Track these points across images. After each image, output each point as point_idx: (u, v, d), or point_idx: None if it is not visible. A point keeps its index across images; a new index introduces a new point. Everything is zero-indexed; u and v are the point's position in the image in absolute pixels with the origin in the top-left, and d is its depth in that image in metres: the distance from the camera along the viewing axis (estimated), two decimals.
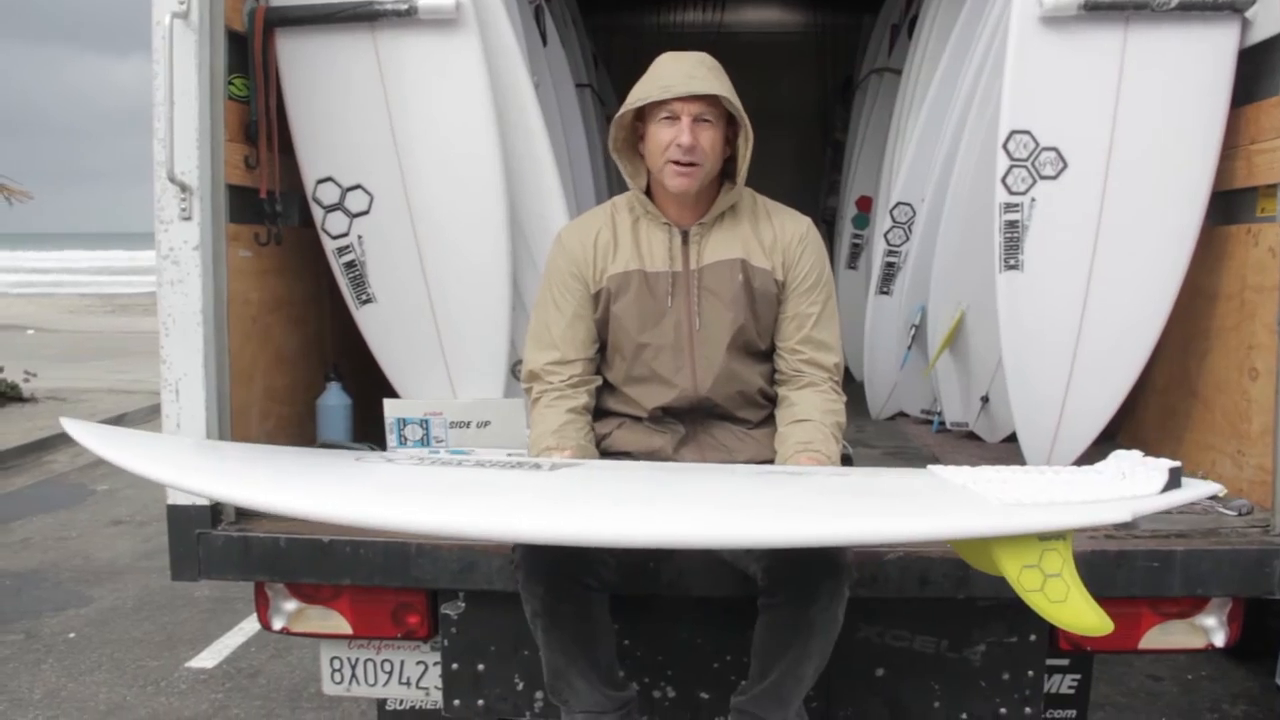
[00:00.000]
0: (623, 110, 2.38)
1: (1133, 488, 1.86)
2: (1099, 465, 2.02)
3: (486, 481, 2.03)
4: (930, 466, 2.15)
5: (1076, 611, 1.74)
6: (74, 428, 2.07)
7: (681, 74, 2.33)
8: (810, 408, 2.41)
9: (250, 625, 4.67)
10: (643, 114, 2.38)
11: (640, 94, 2.35)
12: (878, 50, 5.38)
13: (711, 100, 2.32)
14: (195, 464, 2.20)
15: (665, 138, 2.33)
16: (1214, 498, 2.11)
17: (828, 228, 5.89)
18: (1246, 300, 2.72)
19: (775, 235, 2.47)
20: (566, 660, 2.23)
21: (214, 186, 2.61)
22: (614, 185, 4.89)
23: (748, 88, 2.39)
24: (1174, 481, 1.86)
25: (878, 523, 1.79)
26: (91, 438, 2.05)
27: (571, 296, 2.46)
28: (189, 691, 4.17)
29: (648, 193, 2.46)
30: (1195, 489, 1.93)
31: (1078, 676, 2.81)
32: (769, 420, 2.52)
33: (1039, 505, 1.79)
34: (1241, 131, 2.78)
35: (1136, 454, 1.99)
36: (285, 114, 3.02)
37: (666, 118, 2.32)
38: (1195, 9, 2.72)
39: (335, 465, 2.29)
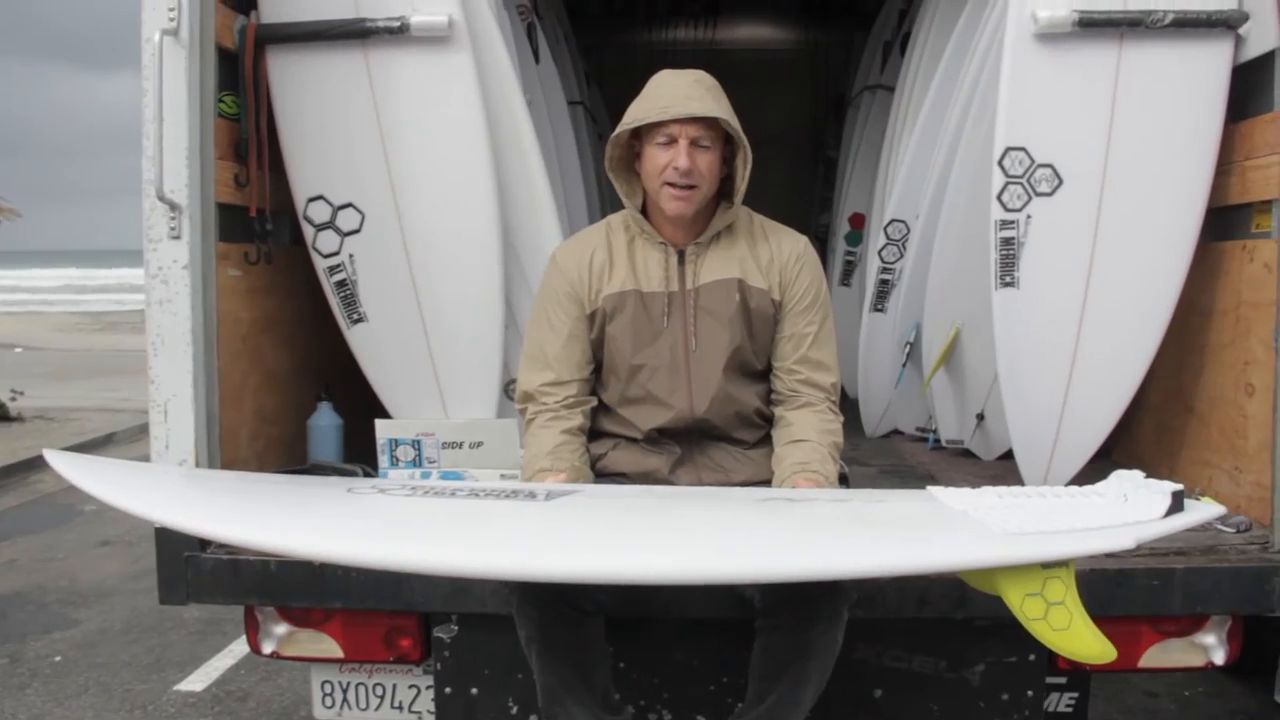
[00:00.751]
0: (619, 130, 2.36)
1: (1135, 512, 1.83)
2: (1100, 486, 2.00)
3: (482, 514, 1.98)
4: (930, 488, 2.13)
5: (1079, 639, 1.73)
6: (57, 460, 2.02)
7: (679, 94, 2.30)
8: (807, 428, 2.39)
9: (240, 648, 4.62)
10: (639, 132, 2.36)
11: (637, 114, 2.33)
12: (870, 67, 5.39)
13: (709, 122, 2.30)
14: (183, 499, 2.17)
15: (662, 160, 2.30)
16: None
17: (820, 245, 5.88)
18: (1242, 316, 2.71)
19: (772, 255, 2.45)
20: (561, 684, 2.20)
21: (203, 205, 2.59)
22: (607, 203, 4.88)
23: (739, 105, 2.37)
24: (1176, 505, 1.84)
25: (878, 557, 1.76)
26: (75, 471, 2.01)
27: (566, 317, 2.44)
28: (177, 715, 4.12)
29: (644, 211, 2.44)
30: (1198, 512, 1.91)
31: (1075, 695, 2.79)
32: (766, 440, 2.50)
33: (1042, 534, 1.76)
34: (1236, 147, 2.78)
35: (1138, 475, 1.96)
36: (276, 132, 3.00)
37: (663, 141, 2.30)
38: (1189, 26, 2.73)
39: (326, 497, 2.25)
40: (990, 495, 1.97)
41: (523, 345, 2.56)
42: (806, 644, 2.13)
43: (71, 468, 2.02)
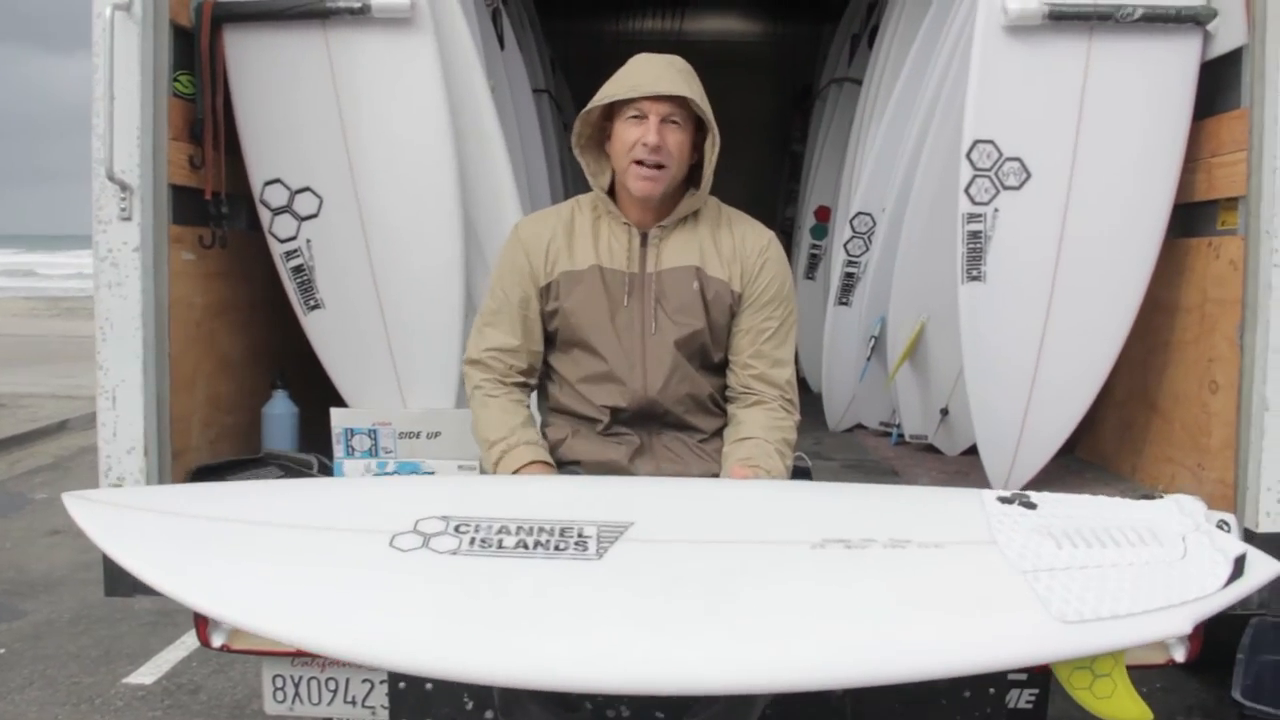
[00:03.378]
0: (590, 106, 2.33)
1: (1194, 573, 1.77)
2: (1158, 522, 1.91)
3: (541, 588, 1.77)
4: (984, 495, 2.03)
5: (1121, 706, 1.76)
6: (76, 506, 1.92)
7: (651, 74, 2.29)
8: (754, 425, 2.36)
9: (192, 640, 4.52)
10: (610, 112, 2.34)
11: (609, 91, 2.31)
12: (837, 60, 5.38)
13: (680, 102, 2.28)
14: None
15: (631, 136, 2.28)
16: None
17: (786, 238, 5.87)
18: (1207, 313, 2.72)
19: (735, 246, 2.42)
20: None
21: (155, 186, 2.54)
22: (571, 192, 4.83)
23: (706, 96, 2.35)
24: (1238, 571, 1.77)
25: (939, 659, 1.71)
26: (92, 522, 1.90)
27: (519, 289, 2.40)
28: (125, 709, 4.03)
29: (611, 193, 2.41)
30: (1258, 574, 1.80)
31: (1036, 691, 2.78)
32: (722, 433, 2.47)
33: (1100, 621, 1.71)
34: (1203, 145, 2.78)
35: (1198, 508, 1.91)
36: (232, 113, 2.94)
37: (634, 116, 2.28)
38: (1158, 20, 2.73)
39: (367, 557, 1.89)
40: (1050, 544, 1.84)
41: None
42: None
43: (90, 517, 1.91)
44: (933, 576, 1.83)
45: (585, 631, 1.69)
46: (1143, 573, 1.78)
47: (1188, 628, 1.71)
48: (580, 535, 1.85)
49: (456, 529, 1.86)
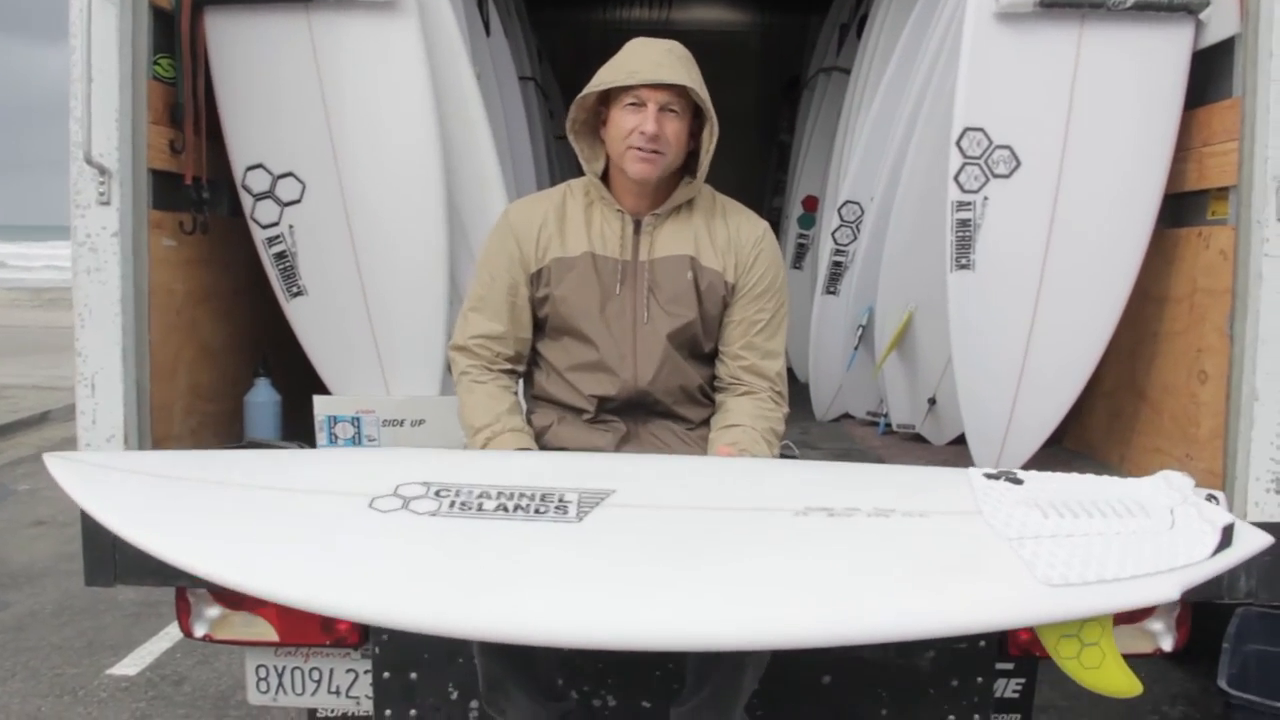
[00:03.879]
0: (585, 92, 2.30)
1: (1181, 542, 1.76)
2: (1145, 495, 1.90)
3: (521, 546, 1.77)
4: (970, 472, 2.03)
5: (1110, 676, 1.74)
6: (58, 466, 1.92)
7: (650, 61, 2.25)
8: (741, 414, 2.35)
9: (176, 630, 4.47)
10: (606, 98, 2.30)
11: (606, 78, 2.27)
12: (826, 49, 5.36)
13: (679, 91, 2.25)
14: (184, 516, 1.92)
15: (629, 124, 2.24)
16: None
17: (774, 228, 5.85)
18: (1197, 303, 2.70)
19: (729, 236, 2.39)
20: (503, 670, 2.15)
21: (135, 170, 2.50)
22: (557, 180, 4.78)
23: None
24: (1225, 540, 1.76)
25: (921, 620, 1.69)
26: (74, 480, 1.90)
27: (508, 275, 2.37)
28: (109, 700, 4.01)
29: (605, 179, 2.38)
30: (1247, 544, 1.79)
31: (1022, 680, 2.80)
32: (710, 421, 2.45)
33: (1085, 585, 1.70)
34: (1194, 134, 2.76)
35: (1186, 483, 1.90)
36: (214, 97, 2.89)
37: (632, 104, 2.24)
38: (1150, 9, 2.71)
39: (348, 516, 1.89)
40: (1036, 514, 1.83)
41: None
42: None
43: (70, 475, 1.90)
44: (917, 542, 1.84)
45: (562, 588, 1.69)
46: (1130, 541, 1.78)
47: (1175, 594, 1.69)
48: (561, 500, 1.86)
49: (437, 493, 1.87)
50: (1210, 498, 1.94)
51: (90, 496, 1.88)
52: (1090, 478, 2.02)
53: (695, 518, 1.90)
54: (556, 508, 1.84)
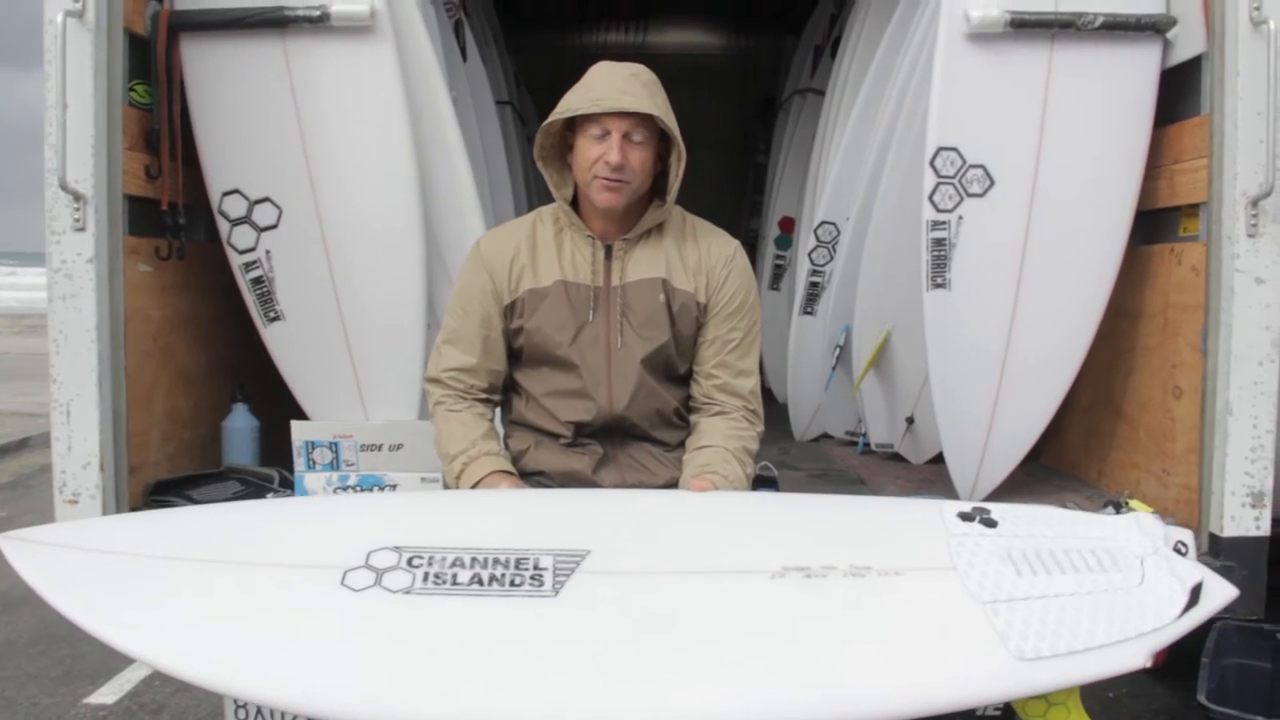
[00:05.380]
0: (551, 119, 2.29)
1: (1151, 602, 1.77)
2: (1120, 530, 1.93)
3: (496, 633, 1.76)
4: (943, 507, 2.03)
5: None
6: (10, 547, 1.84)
7: (614, 88, 2.22)
8: (714, 434, 2.34)
9: None
10: (572, 123, 2.29)
11: (570, 104, 2.25)
12: (800, 71, 5.39)
13: (644, 118, 2.23)
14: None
15: (594, 154, 2.23)
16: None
17: (750, 250, 5.87)
18: (1170, 319, 2.73)
19: (700, 257, 2.39)
20: None
21: (110, 196, 2.50)
22: (535, 204, 4.79)
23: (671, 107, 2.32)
24: (1193, 600, 1.77)
25: (891, 703, 1.67)
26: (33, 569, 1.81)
27: (481, 307, 2.36)
28: None
29: (574, 204, 2.37)
30: (1213, 601, 1.80)
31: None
32: (685, 442, 2.45)
33: (1057, 657, 1.70)
34: (1164, 151, 2.80)
35: (1155, 525, 1.91)
36: (190, 122, 2.90)
37: (596, 133, 2.22)
38: (1119, 29, 2.74)
39: (319, 597, 1.85)
40: (1010, 570, 1.84)
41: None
42: None
43: (28, 562, 1.82)
44: (892, 610, 1.82)
45: (542, 679, 1.67)
46: (1100, 602, 1.78)
47: (1143, 661, 1.70)
48: (536, 568, 1.83)
49: (410, 562, 1.83)
50: (1179, 546, 1.95)
51: (50, 586, 1.78)
52: (1064, 514, 2.03)
53: (672, 585, 1.89)
54: (531, 578, 1.81)
